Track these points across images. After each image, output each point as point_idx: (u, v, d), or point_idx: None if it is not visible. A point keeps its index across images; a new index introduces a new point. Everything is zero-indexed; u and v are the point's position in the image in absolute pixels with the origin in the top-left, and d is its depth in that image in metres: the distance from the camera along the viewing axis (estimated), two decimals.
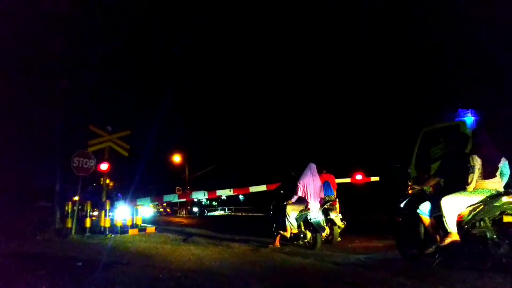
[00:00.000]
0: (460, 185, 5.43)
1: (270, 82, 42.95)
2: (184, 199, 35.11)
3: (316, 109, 32.08)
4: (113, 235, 11.56)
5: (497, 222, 5.21)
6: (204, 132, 47.41)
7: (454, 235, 5.26)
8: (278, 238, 9.12)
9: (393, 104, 22.94)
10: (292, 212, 8.78)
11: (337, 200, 9.91)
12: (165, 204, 41.61)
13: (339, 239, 9.32)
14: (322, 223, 8.72)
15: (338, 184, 10.94)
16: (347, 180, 16.80)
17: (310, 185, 8.84)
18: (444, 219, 5.31)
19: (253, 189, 16.53)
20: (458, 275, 5.03)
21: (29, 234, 11.64)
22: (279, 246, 8.91)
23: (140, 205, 14.70)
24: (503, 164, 5.38)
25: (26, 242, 9.97)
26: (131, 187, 19.22)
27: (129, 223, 12.83)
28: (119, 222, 12.47)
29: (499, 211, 5.19)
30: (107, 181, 14.36)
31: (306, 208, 8.72)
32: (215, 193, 17.94)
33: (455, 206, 5.33)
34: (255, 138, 40.38)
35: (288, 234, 8.83)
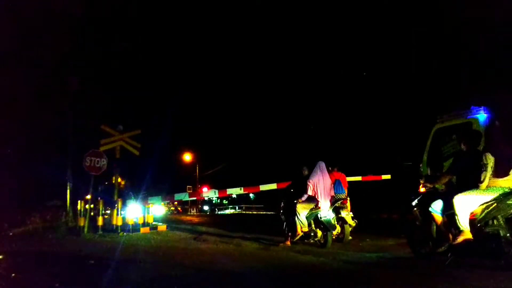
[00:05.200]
0: (472, 183, 5.37)
1: (281, 81, 42.89)
2: (195, 198, 35.22)
3: (327, 108, 31.98)
4: (125, 233, 11.65)
5: (510, 220, 5.15)
6: (215, 130, 47.52)
7: (466, 233, 5.21)
8: (289, 236, 9.11)
9: (405, 101, 22.80)
10: (302, 211, 8.76)
11: (348, 198, 9.86)
12: (176, 202, 41.75)
13: (350, 237, 9.26)
14: (332, 222, 8.68)
15: (349, 182, 10.88)
16: (358, 178, 16.72)
17: (320, 183, 8.81)
18: (456, 217, 5.26)
19: (263, 187, 16.53)
20: (471, 273, 4.99)
21: (42, 232, 11.78)
22: (290, 245, 8.89)
23: (151, 203, 14.77)
24: None
25: (39, 240, 10.09)
26: (142, 185, 19.33)
27: (140, 221, 12.91)
28: (131, 220, 12.56)
29: None
30: (119, 179, 14.44)
31: (317, 207, 8.69)
32: (226, 191, 17.99)
33: (468, 204, 5.27)
34: (265, 137, 40.39)
35: (299, 233, 8.81)
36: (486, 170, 5.27)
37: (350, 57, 30.54)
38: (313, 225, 8.81)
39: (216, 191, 18.08)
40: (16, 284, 5.36)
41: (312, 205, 8.77)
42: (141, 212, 13.24)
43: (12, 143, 14.68)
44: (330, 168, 9.65)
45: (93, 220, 12.25)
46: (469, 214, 5.28)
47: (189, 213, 40.38)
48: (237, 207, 51.40)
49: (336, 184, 9.72)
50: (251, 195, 49.57)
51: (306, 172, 9.25)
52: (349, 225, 9.28)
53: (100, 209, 12.27)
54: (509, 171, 5.27)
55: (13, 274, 5.66)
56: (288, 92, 38.56)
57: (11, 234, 11.43)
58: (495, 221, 5.23)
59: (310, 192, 8.75)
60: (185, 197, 22.17)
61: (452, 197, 5.33)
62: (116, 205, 12.43)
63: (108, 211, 14.62)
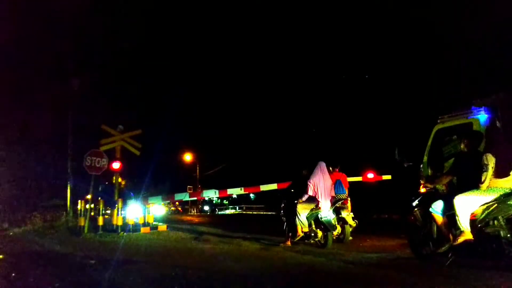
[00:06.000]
0: (473, 184, 5.37)
1: (281, 81, 42.91)
2: (195, 198, 35.19)
3: (328, 108, 31.98)
4: (125, 233, 11.64)
5: (511, 221, 5.14)
6: (215, 130, 47.53)
7: (467, 234, 5.20)
8: (289, 236, 9.11)
9: (405, 102, 22.79)
10: (303, 211, 8.76)
11: (349, 198, 9.85)
12: (177, 202, 41.75)
13: (350, 238, 9.26)
14: (333, 222, 8.67)
15: (350, 182, 10.86)
16: (359, 178, 16.69)
17: (321, 183, 8.80)
18: (457, 217, 5.26)
19: (264, 187, 16.49)
20: (471, 274, 4.98)
21: (42, 232, 11.78)
22: (290, 245, 8.89)
23: (151, 203, 14.76)
24: None
25: (39, 240, 10.08)
26: (143, 185, 19.34)
27: (141, 221, 12.91)
28: (131, 220, 12.55)
29: None
30: (119, 179, 14.43)
31: (317, 207, 8.68)
32: (226, 191, 17.96)
33: (468, 205, 5.26)
34: (266, 137, 40.39)
35: (299, 233, 8.80)
36: (486, 171, 5.26)
37: (352, 58, 30.56)
38: (313, 226, 8.80)
39: (217, 191, 18.02)
40: (16, 284, 5.36)
41: (312, 206, 8.76)
42: (141, 212, 13.24)
43: (12, 143, 14.68)
44: (331, 169, 9.65)
45: (93, 220, 12.25)
46: (470, 214, 5.27)
47: (189, 213, 40.38)
48: (237, 207, 51.39)
49: (336, 184, 9.70)
50: (252, 195, 49.55)
51: (306, 173, 9.24)
52: (350, 225, 9.27)
53: (101, 209, 12.27)
54: (510, 171, 5.26)
55: (13, 274, 5.66)
56: (289, 92, 38.58)
57: (11, 233, 11.43)
58: (495, 222, 5.22)
59: (310, 193, 8.74)
60: (185, 197, 22.13)
61: (453, 198, 5.32)
62: (116, 205, 12.42)
63: (109, 211, 14.63)
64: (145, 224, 12.97)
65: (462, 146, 6.00)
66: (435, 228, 5.97)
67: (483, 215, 5.27)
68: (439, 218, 5.68)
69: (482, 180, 5.27)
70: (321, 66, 34.75)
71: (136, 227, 12.45)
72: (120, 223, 12.10)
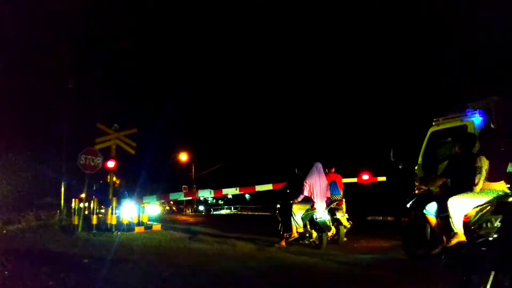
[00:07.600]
0: (467, 186, 5.39)
1: (278, 82, 42.97)
2: (190, 198, 35.11)
3: (324, 109, 32.05)
4: (119, 233, 11.59)
5: None
6: (211, 130, 47.54)
7: (460, 236, 5.22)
8: (284, 237, 9.11)
9: (401, 104, 22.88)
10: (298, 212, 8.77)
11: (344, 200, 9.88)
12: (171, 202, 41.63)
13: (345, 239, 9.28)
14: (328, 223, 8.69)
15: (345, 184, 10.90)
16: (354, 180, 16.73)
17: (316, 184, 8.82)
18: (450, 219, 5.27)
19: (259, 188, 16.51)
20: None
21: (35, 230, 11.72)
22: (285, 246, 8.90)
23: (146, 203, 14.72)
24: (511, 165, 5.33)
25: (33, 238, 10.04)
26: (137, 185, 19.27)
27: (135, 220, 12.86)
28: (125, 219, 12.50)
29: None
30: (114, 178, 14.37)
31: (312, 208, 8.70)
32: (221, 191, 17.95)
33: (462, 207, 5.28)
34: (262, 137, 40.44)
35: (294, 234, 8.81)
36: (480, 173, 5.28)
37: (348, 60, 30.65)
38: (308, 226, 8.81)
39: (212, 191, 18.01)
40: (8, 282, 5.33)
41: (307, 206, 8.78)
42: (136, 212, 13.19)
43: (6, 141, 14.62)
44: (326, 170, 9.67)
45: (87, 219, 12.19)
46: (463, 216, 5.29)
47: (184, 213, 40.29)
48: (232, 208, 51.34)
49: (332, 185, 9.73)
50: (247, 195, 49.51)
51: (302, 173, 9.25)
52: (344, 226, 9.30)
53: (95, 208, 12.21)
54: (503, 174, 5.28)
55: (5, 272, 5.63)
56: (286, 93, 38.65)
57: (4, 232, 11.37)
58: (489, 224, 5.24)
59: (306, 193, 8.76)
60: (180, 196, 22.10)
61: (447, 200, 5.34)
62: (111, 204, 12.37)
63: (103, 210, 14.58)
64: (139, 224, 12.93)
65: (456, 148, 6.03)
66: (428, 230, 6.00)
67: (477, 217, 5.28)
68: (433, 219, 5.70)
69: (476, 182, 5.29)
70: (318, 67, 34.83)
71: (130, 227, 12.40)
72: (114, 222, 12.04)
